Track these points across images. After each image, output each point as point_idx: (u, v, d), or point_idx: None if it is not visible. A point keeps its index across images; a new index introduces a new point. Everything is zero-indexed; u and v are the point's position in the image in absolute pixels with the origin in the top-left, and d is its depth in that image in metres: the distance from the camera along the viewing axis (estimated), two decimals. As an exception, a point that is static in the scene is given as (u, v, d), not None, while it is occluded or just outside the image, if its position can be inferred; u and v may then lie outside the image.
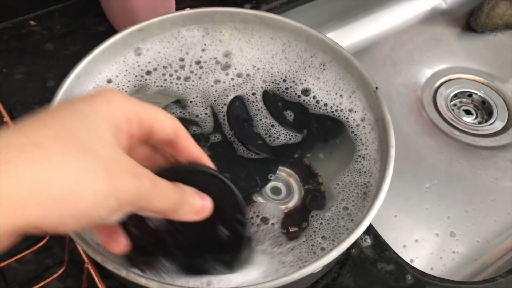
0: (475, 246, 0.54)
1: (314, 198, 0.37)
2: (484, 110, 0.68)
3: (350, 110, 0.40)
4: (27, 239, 0.41)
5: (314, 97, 0.41)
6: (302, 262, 0.33)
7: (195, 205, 0.27)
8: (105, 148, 0.22)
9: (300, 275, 0.29)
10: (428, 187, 0.59)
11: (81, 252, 0.33)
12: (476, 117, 0.67)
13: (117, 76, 0.41)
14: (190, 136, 0.28)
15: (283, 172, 0.39)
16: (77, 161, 0.21)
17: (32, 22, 0.57)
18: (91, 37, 0.56)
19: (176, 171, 0.28)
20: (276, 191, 0.38)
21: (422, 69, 0.71)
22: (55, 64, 0.54)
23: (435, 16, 0.77)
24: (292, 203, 0.37)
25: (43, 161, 0.20)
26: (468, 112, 0.67)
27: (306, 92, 0.42)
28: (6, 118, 0.41)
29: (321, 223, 0.35)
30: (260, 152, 0.38)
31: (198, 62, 0.43)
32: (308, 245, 0.34)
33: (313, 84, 0.42)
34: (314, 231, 0.35)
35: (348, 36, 0.72)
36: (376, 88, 0.39)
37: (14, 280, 0.39)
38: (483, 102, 0.68)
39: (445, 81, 0.70)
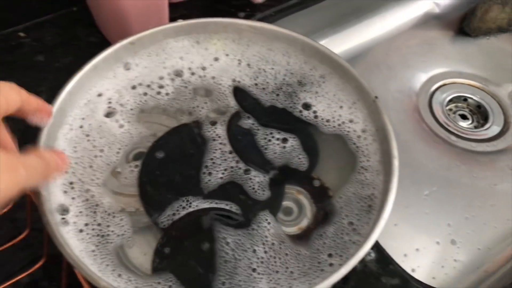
0: (476, 254, 0.53)
1: (326, 214, 0.36)
2: (480, 114, 0.68)
3: (350, 121, 0.40)
4: (22, 262, 0.40)
5: (314, 112, 0.40)
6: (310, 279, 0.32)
7: (56, 165, 0.30)
8: None
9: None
10: (427, 194, 0.58)
11: (79, 276, 0.32)
12: (472, 122, 0.67)
13: (107, 90, 0.40)
14: (28, 94, 0.31)
15: (292, 190, 0.38)
16: None
17: (21, 34, 0.55)
18: (83, 48, 0.55)
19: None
20: (287, 212, 0.37)
21: (417, 74, 0.70)
22: (47, 77, 0.52)
23: (428, 21, 0.77)
24: (305, 222, 0.36)
25: None
26: (463, 117, 0.67)
27: (307, 106, 0.41)
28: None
29: (324, 242, 0.34)
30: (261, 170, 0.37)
31: (193, 74, 0.42)
32: (314, 262, 0.33)
33: (310, 98, 0.41)
34: (318, 249, 0.34)
35: (342, 43, 0.71)
36: (376, 97, 0.38)
37: (9, 304, 0.38)
38: (479, 106, 0.68)
39: (440, 86, 0.70)
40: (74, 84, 0.38)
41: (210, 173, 0.37)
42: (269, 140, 0.39)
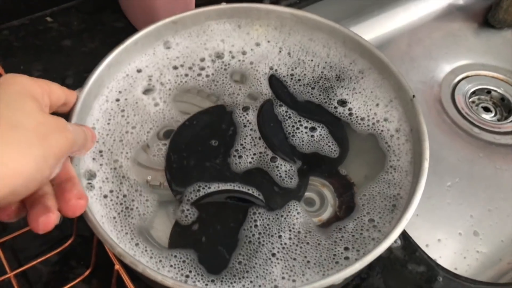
0: (499, 246, 0.53)
1: (348, 209, 0.36)
2: (503, 107, 0.67)
3: (385, 120, 0.39)
4: (51, 240, 0.40)
5: (349, 109, 0.40)
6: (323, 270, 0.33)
7: (91, 136, 0.33)
8: (31, 116, 0.26)
9: (320, 286, 0.29)
10: (450, 186, 0.58)
11: (110, 254, 0.32)
12: (495, 115, 0.66)
13: (147, 67, 0.41)
14: (72, 91, 0.34)
15: (317, 182, 0.38)
16: (11, 138, 0.24)
17: (48, 19, 0.56)
18: (109, 34, 0.55)
19: None
20: (309, 202, 0.37)
21: (440, 65, 0.70)
22: (73, 61, 0.53)
23: (452, 12, 0.76)
24: (326, 215, 0.36)
25: None
26: (487, 109, 0.67)
27: (342, 103, 0.40)
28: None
29: (342, 236, 0.34)
30: (290, 160, 0.38)
31: (233, 57, 0.42)
32: (330, 254, 0.33)
33: (347, 94, 0.41)
34: (335, 241, 0.34)
35: (365, 33, 0.70)
36: (413, 96, 0.38)
37: (39, 282, 0.39)
38: (502, 99, 0.67)
39: (464, 78, 0.69)
40: (113, 57, 0.38)
41: (240, 156, 0.37)
42: (297, 128, 0.39)
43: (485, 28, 0.75)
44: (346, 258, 0.33)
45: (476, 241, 0.53)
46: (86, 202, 0.29)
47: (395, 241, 0.40)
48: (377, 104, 0.40)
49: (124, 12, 0.57)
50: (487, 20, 0.74)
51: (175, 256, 0.32)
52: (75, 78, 0.51)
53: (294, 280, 0.32)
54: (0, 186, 0.23)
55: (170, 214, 0.35)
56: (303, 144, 0.38)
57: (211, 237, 0.34)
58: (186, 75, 0.41)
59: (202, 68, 0.41)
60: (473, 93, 0.68)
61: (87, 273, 0.38)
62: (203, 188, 0.36)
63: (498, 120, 0.66)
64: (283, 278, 0.32)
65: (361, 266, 0.30)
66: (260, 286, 0.31)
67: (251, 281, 0.31)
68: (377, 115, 0.39)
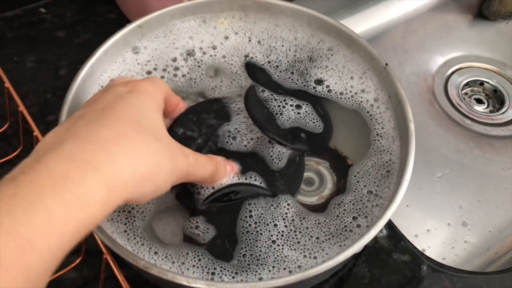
0: (487, 236, 0.54)
1: (346, 182, 0.37)
2: (496, 99, 0.67)
3: (362, 91, 0.40)
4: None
5: (327, 86, 0.41)
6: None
7: (225, 171, 0.34)
8: (164, 134, 0.28)
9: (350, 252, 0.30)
10: (440, 177, 0.58)
11: (99, 242, 0.33)
12: (488, 106, 0.67)
13: (119, 75, 0.40)
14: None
15: (312, 161, 0.38)
16: (154, 147, 0.26)
17: (42, 10, 0.56)
18: (102, 25, 0.56)
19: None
20: (309, 182, 0.38)
21: (434, 57, 0.70)
22: (67, 52, 0.53)
23: (446, 3, 0.76)
24: (327, 191, 0.37)
25: (134, 150, 0.25)
26: (479, 101, 0.67)
27: (319, 82, 0.41)
28: (22, 107, 0.40)
29: (344, 209, 0.35)
30: (286, 142, 0.38)
31: (204, 53, 0.42)
32: (339, 227, 0.34)
33: (321, 73, 0.42)
34: (338, 216, 0.34)
35: (359, 24, 0.71)
36: (386, 64, 0.39)
37: (31, 269, 0.39)
38: (495, 91, 0.68)
39: (457, 70, 0.69)
40: (87, 69, 0.38)
41: (234, 138, 0.38)
42: (283, 107, 0.40)
43: (479, 19, 0.75)
44: (358, 226, 0.34)
45: (464, 232, 0.54)
46: None
47: (381, 231, 0.41)
48: (352, 78, 0.41)
49: (117, 3, 0.57)
50: (482, 11, 0.74)
51: (194, 257, 0.33)
52: (68, 69, 0.52)
53: (315, 257, 0.32)
54: (136, 187, 0.24)
55: (176, 214, 0.35)
56: (290, 120, 0.39)
57: (218, 233, 0.34)
58: (162, 77, 0.41)
59: (177, 68, 0.41)
60: (466, 84, 0.68)
61: (78, 261, 0.38)
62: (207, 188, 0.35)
63: (491, 111, 0.66)
64: (304, 256, 0.32)
65: (384, 222, 0.31)
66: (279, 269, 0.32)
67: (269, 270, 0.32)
68: (353, 88, 0.40)
